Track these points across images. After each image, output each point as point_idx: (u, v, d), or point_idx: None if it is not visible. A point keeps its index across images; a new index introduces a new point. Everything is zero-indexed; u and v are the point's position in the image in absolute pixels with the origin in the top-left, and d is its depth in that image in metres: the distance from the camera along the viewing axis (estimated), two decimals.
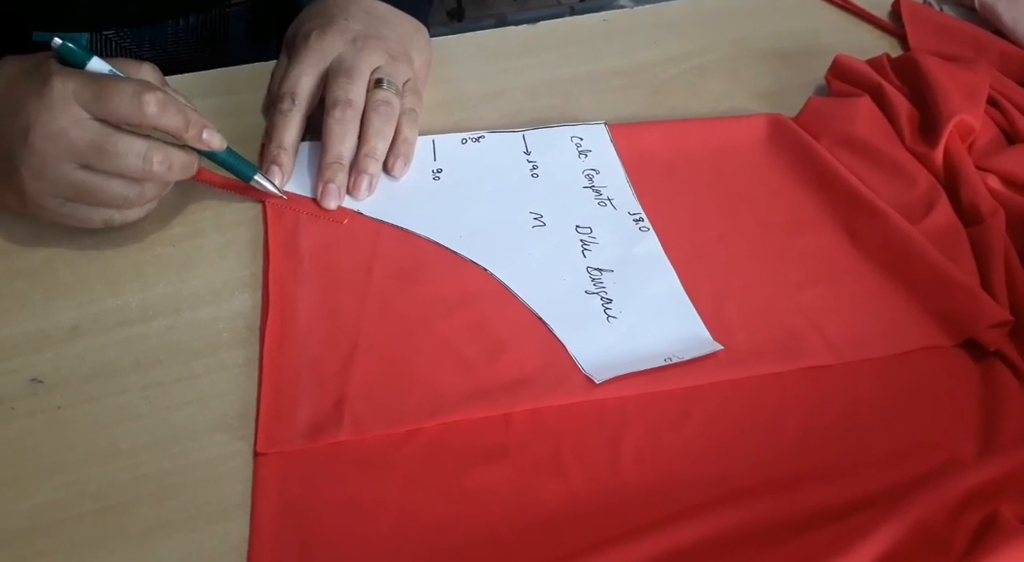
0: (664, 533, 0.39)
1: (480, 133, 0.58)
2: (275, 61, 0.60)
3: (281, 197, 0.51)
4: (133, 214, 0.48)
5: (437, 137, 0.58)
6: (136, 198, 0.46)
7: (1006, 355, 0.48)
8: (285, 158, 0.52)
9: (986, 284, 0.50)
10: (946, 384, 0.47)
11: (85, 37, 0.63)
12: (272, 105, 0.54)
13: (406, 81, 0.56)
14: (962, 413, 0.46)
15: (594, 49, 0.67)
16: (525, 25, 0.69)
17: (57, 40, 0.45)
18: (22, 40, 0.61)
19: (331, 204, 0.52)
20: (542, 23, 0.70)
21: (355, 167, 0.52)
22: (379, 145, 0.53)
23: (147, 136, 0.46)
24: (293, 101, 0.53)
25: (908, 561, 0.38)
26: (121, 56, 0.64)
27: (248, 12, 0.68)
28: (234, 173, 0.50)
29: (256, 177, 0.50)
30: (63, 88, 0.44)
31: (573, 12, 0.72)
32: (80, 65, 0.46)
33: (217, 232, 0.51)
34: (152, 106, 0.44)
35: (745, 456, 0.43)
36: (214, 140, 0.48)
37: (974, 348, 0.49)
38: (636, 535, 0.39)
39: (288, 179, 0.52)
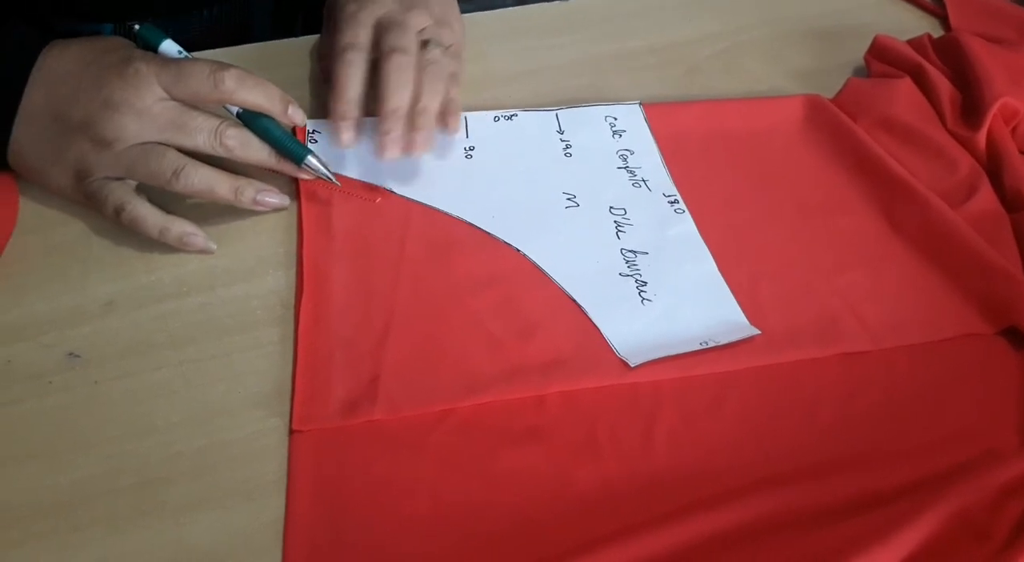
0: (698, 518, 0.39)
1: (513, 111, 0.58)
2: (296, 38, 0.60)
3: (333, 181, 0.50)
4: (151, 217, 0.47)
5: (470, 114, 0.57)
6: (187, 175, 0.46)
7: None
8: (354, 111, 0.50)
9: None
10: (986, 373, 0.47)
11: (108, 28, 0.63)
12: (334, 59, 0.51)
13: (449, 46, 0.55)
14: (1002, 402, 0.45)
15: (628, 27, 0.66)
16: (558, 1, 0.68)
17: (136, 26, 0.50)
18: (44, 29, 0.62)
19: (392, 155, 0.50)
20: (575, 0, 0.69)
21: (411, 124, 0.50)
22: (432, 103, 0.51)
23: (222, 117, 0.47)
24: (356, 50, 0.51)
25: (948, 550, 0.37)
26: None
27: (271, 2, 0.68)
28: (287, 153, 0.49)
29: (308, 158, 0.49)
30: (147, 69, 0.46)
31: None
32: (156, 46, 0.49)
33: (249, 209, 0.51)
34: (229, 81, 0.46)
35: (781, 442, 0.43)
36: (297, 115, 0.49)
37: (1015, 336, 0.48)
38: (670, 520, 0.39)
39: (350, 137, 0.50)
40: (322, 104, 0.57)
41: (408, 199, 0.52)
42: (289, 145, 0.48)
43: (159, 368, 0.44)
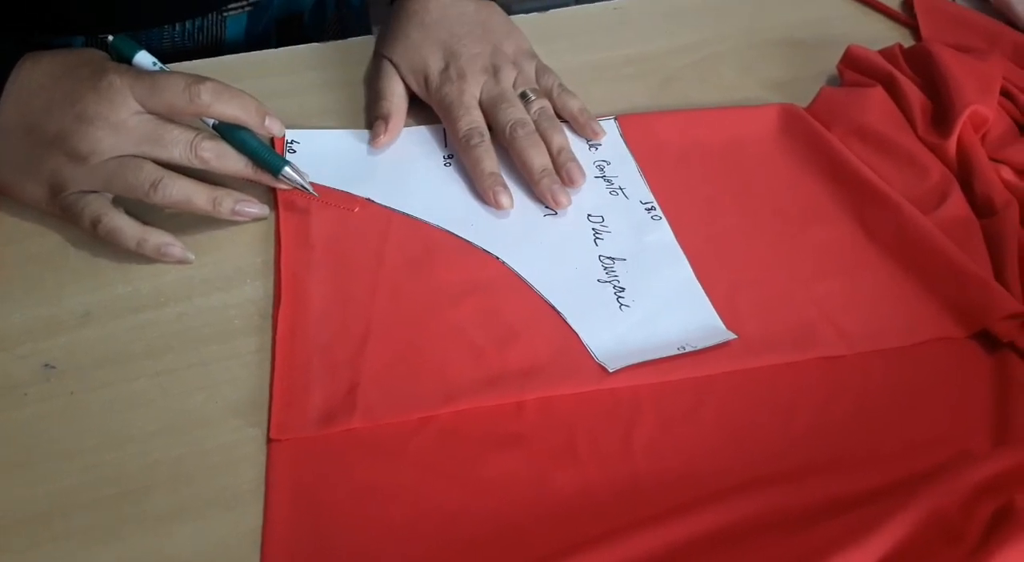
0: (677, 522, 0.39)
1: None
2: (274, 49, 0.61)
3: (310, 192, 0.50)
4: (127, 228, 0.47)
5: None
6: (164, 187, 0.46)
7: (1019, 347, 0.47)
8: (501, 179, 0.53)
9: (999, 276, 0.50)
10: (959, 375, 0.47)
11: (80, 40, 0.63)
12: (461, 147, 0.55)
13: (534, 86, 0.58)
14: (975, 405, 0.46)
15: (605, 38, 0.67)
16: (535, 13, 0.69)
17: (110, 38, 0.50)
18: (16, 41, 0.61)
19: (565, 203, 0.53)
20: (552, 11, 0.69)
21: (559, 169, 0.54)
22: (564, 144, 0.55)
23: (198, 129, 0.47)
24: (478, 134, 0.54)
25: (922, 551, 0.38)
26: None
27: (246, 17, 0.68)
28: (264, 165, 0.49)
29: (286, 170, 0.49)
30: (121, 81, 0.46)
31: (579, 1, 0.71)
32: (130, 58, 0.49)
33: (228, 219, 0.51)
34: (205, 95, 0.47)
35: (758, 446, 0.43)
36: (275, 126, 0.49)
37: (987, 340, 0.48)
38: (649, 524, 0.39)
39: (509, 199, 0.53)
40: (300, 114, 0.57)
41: (387, 208, 0.52)
42: (266, 156, 0.48)
43: (136, 378, 0.43)
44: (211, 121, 0.48)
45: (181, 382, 0.43)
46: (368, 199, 0.52)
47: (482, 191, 0.53)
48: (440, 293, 0.48)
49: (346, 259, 0.49)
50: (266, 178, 0.49)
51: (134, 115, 0.46)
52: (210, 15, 0.66)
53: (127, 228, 0.47)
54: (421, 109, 0.59)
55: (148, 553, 0.38)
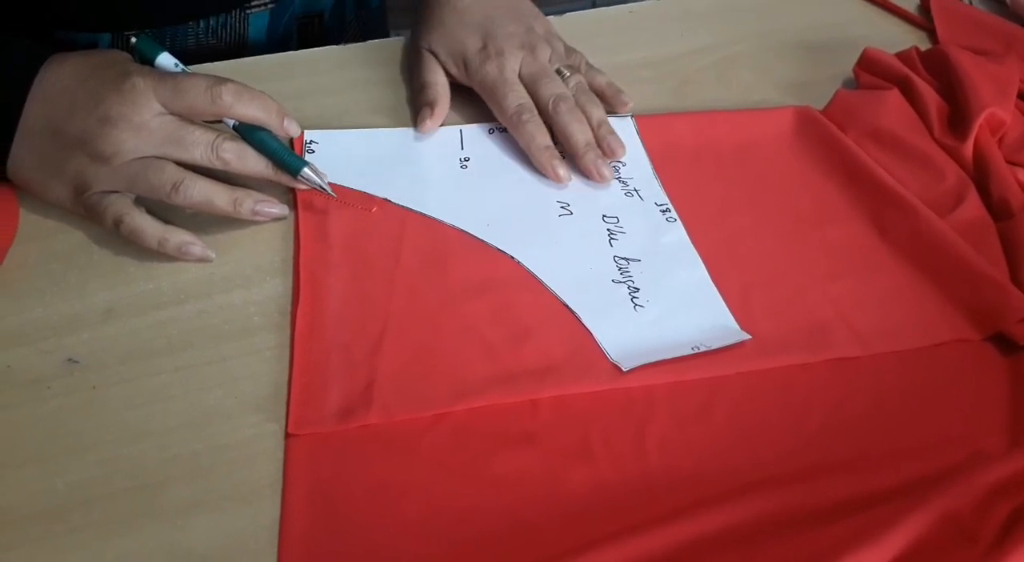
0: (689, 522, 0.39)
1: None
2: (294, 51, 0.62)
3: (329, 193, 0.50)
4: (149, 229, 0.48)
5: (464, 127, 0.58)
6: (186, 189, 0.47)
7: None
8: (556, 153, 0.55)
9: (1015, 278, 0.50)
10: (974, 378, 0.47)
11: (106, 38, 0.64)
12: (512, 123, 0.56)
13: (569, 60, 0.60)
14: (990, 407, 0.46)
15: (621, 41, 0.67)
16: (552, 16, 0.69)
17: (133, 39, 0.51)
18: (44, 40, 0.62)
19: (607, 176, 0.55)
20: (568, 14, 0.70)
21: (601, 142, 0.56)
22: (603, 118, 0.57)
23: (219, 131, 0.48)
24: (527, 110, 0.56)
25: (936, 552, 0.38)
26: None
27: (268, 15, 0.69)
28: (284, 165, 0.49)
29: (304, 170, 0.49)
30: (144, 84, 0.46)
31: (595, 5, 0.72)
32: (152, 59, 0.50)
33: (248, 220, 0.51)
34: (227, 96, 0.47)
35: (771, 446, 0.43)
36: (293, 127, 0.50)
37: (1002, 342, 0.48)
38: (662, 523, 0.39)
39: (567, 171, 0.55)
40: (319, 115, 0.58)
41: (404, 208, 0.52)
42: (286, 157, 0.49)
43: (157, 374, 0.44)
44: (231, 122, 0.49)
45: (201, 378, 0.44)
46: (385, 199, 0.53)
47: (540, 165, 0.55)
48: (456, 292, 0.48)
49: (363, 258, 0.50)
50: (285, 179, 0.49)
51: (156, 116, 0.46)
52: (234, 12, 0.67)
53: (149, 228, 0.47)
54: None
55: (166, 546, 0.38)
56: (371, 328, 0.46)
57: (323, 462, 0.41)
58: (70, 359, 0.44)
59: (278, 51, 0.65)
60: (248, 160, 0.48)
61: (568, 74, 0.58)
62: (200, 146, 0.47)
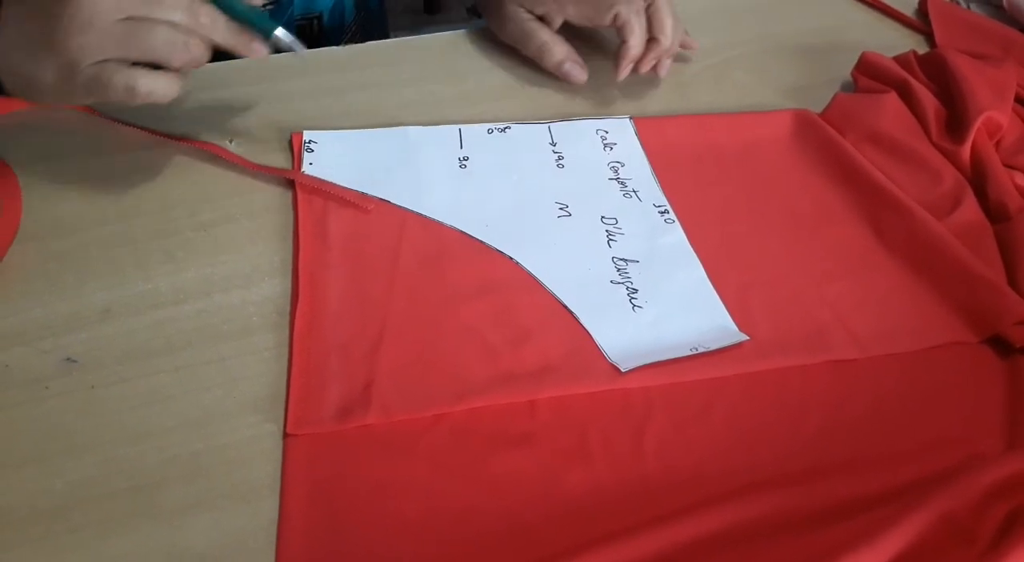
0: (687, 523, 0.39)
1: (506, 124, 0.59)
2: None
3: (302, 52, 0.49)
4: (161, 85, 0.46)
5: (464, 127, 0.58)
6: (181, 49, 0.46)
7: None
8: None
9: (1012, 281, 0.51)
10: (971, 380, 0.47)
11: None
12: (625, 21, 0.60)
13: None
14: (987, 409, 0.46)
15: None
16: None
17: None
18: None
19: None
20: None
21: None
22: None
23: None
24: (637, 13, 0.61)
25: (934, 553, 0.38)
26: None
27: (270, 15, 0.69)
28: (255, 26, 0.48)
29: (276, 32, 0.48)
30: None
31: None
32: None
33: (247, 218, 0.51)
34: None
35: (769, 448, 0.43)
36: None
37: (999, 345, 0.49)
38: (659, 524, 0.39)
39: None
40: (320, 116, 0.58)
41: (403, 208, 0.53)
42: (256, 19, 0.48)
43: (155, 373, 0.44)
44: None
45: (199, 378, 0.44)
46: (384, 199, 0.53)
47: (623, 57, 0.61)
48: (454, 293, 0.48)
49: (362, 259, 0.50)
50: (257, 47, 0.48)
51: None
52: None
53: (163, 83, 0.46)
54: (435, 110, 0.59)
55: (164, 546, 0.38)
56: (370, 328, 0.46)
57: (321, 462, 0.41)
58: (68, 359, 0.44)
59: (277, 52, 0.65)
60: (219, 25, 0.47)
61: None
62: (180, 8, 0.45)
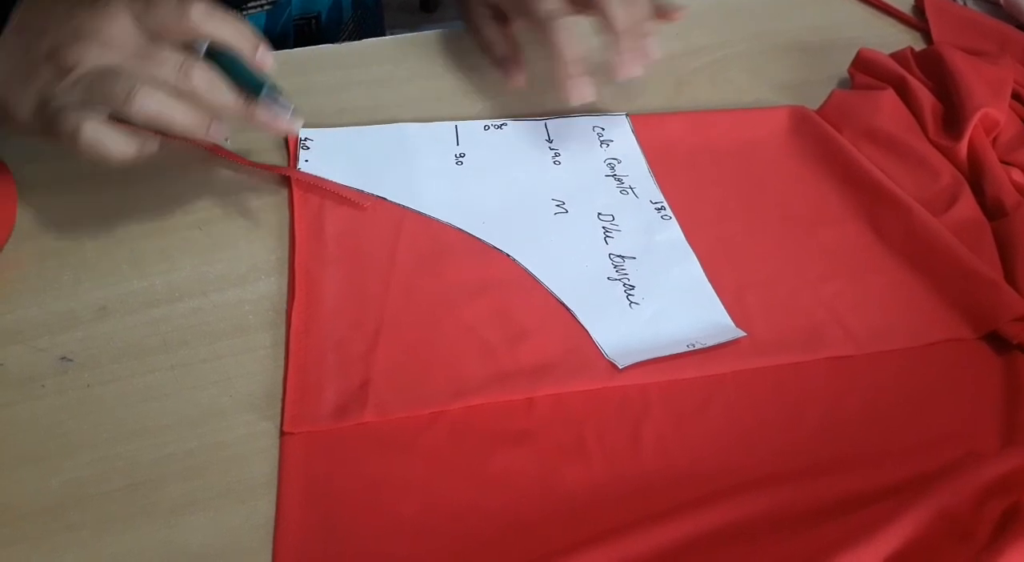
0: (685, 520, 0.39)
1: (503, 121, 0.59)
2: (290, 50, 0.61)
3: (293, 115, 0.46)
4: (111, 139, 0.44)
5: (460, 123, 0.58)
6: (150, 103, 0.43)
7: None
8: (584, 68, 0.52)
9: (1010, 277, 0.50)
10: (968, 377, 0.47)
11: None
12: (545, 28, 0.53)
13: None
14: (984, 406, 0.46)
15: None
16: None
17: None
18: None
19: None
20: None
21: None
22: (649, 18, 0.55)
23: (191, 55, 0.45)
24: (560, 13, 0.53)
25: (931, 550, 0.38)
26: None
27: (264, 16, 0.68)
28: (245, 83, 0.45)
29: (264, 93, 0.45)
30: (118, 2, 0.44)
31: None
32: None
33: (243, 217, 0.51)
34: (195, 11, 0.44)
35: (766, 445, 0.43)
36: (268, 58, 0.47)
37: (997, 341, 0.48)
38: (657, 521, 0.39)
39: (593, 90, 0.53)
40: (315, 114, 0.58)
41: (399, 205, 0.52)
42: (248, 78, 0.45)
43: (151, 372, 0.44)
44: (203, 51, 0.46)
45: (195, 376, 0.44)
46: (381, 197, 0.53)
47: (561, 76, 0.53)
48: (451, 290, 0.48)
49: (359, 256, 0.49)
50: (254, 113, 0.46)
51: (126, 33, 0.44)
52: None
53: (110, 136, 0.44)
54: (431, 107, 0.59)
55: (161, 544, 0.38)
56: (366, 326, 0.46)
57: (318, 460, 0.41)
58: (64, 357, 0.44)
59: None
60: (216, 89, 0.44)
61: None
62: (169, 63, 0.44)
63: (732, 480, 0.41)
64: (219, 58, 0.45)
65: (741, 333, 0.47)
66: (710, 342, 0.46)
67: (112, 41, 0.44)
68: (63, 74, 0.44)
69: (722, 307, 0.49)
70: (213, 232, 0.50)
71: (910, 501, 0.39)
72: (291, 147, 0.55)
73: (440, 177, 0.55)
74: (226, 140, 0.46)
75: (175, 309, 0.47)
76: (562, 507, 0.40)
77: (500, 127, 0.58)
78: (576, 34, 0.53)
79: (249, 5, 0.67)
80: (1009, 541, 0.37)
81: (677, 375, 0.45)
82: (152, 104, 0.43)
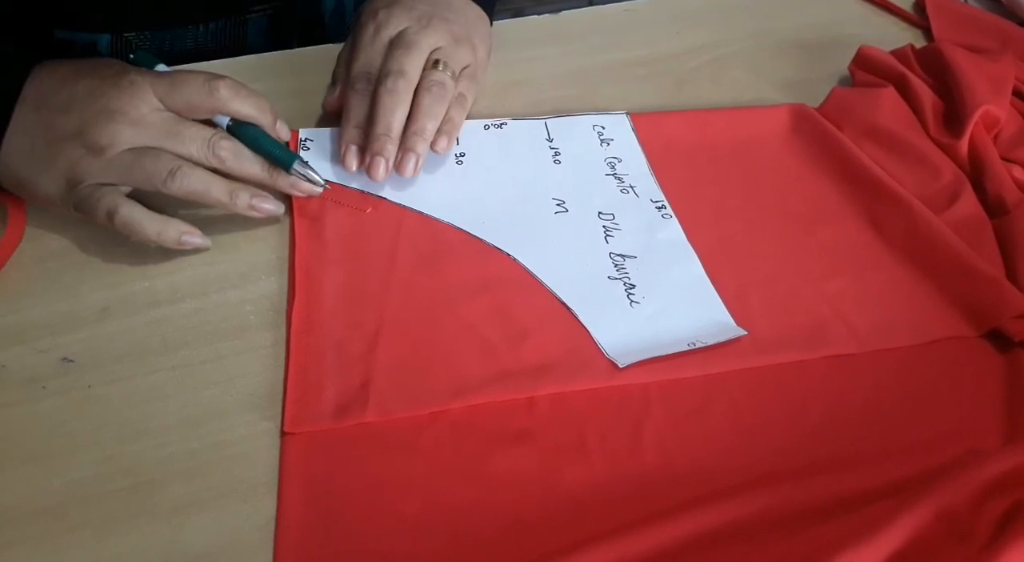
0: (686, 518, 0.39)
1: (503, 120, 0.59)
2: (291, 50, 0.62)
3: (321, 185, 0.50)
4: (145, 219, 0.46)
5: None
6: (185, 181, 0.46)
7: None
8: (359, 137, 0.52)
9: (1011, 275, 0.50)
10: (970, 374, 0.47)
11: (106, 38, 0.64)
12: (348, 85, 0.54)
13: (464, 67, 0.56)
14: (986, 403, 0.46)
15: (617, 39, 0.67)
16: (548, 15, 0.69)
17: (131, 55, 0.52)
18: (44, 39, 0.62)
19: (379, 176, 0.51)
20: (565, 12, 0.70)
21: (403, 145, 0.51)
22: (428, 125, 0.52)
23: (216, 129, 0.48)
24: (366, 80, 0.53)
25: (931, 548, 0.38)
26: None
27: (267, 19, 0.69)
28: (276, 159, 0.49)
29: (296, 164, 0.49)
30: (142, 80, 0.47)
31: (591, 3, 0.72)
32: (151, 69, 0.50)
33: (243, 217, 0.51)
34: (223, 90, 0.47)
35: (767, 443, 0.43)
36: (284, 130, 0.50)
37: (998, 339, 0.48)
38: (658, 520, 0.39)
39: (357, 162, 0.52)
40: (315, 114, 0.58)
41: (400, 205, 0.52)
42: (278, 152, 0.49)
43: (153, 372, 0.44)
44: (225, 124, 0.49)
45: (197, 376, 0.44)
46: (381, 197, 0.53)
47: (340, 137, 0.53)
48: (452, 290, 0.48)
49: (359, 256, 0.50)
50: (280, 181, 0.49)
51: (154, 111, 0.46)
52: (233, 17, 0.67)
53: (144, 219, 0.46)
54: None
55: (162, 544, 0.38)
56: (367, 326, 0.46)
57: (319, 460, 0.41)
58: (65, 358, 0.44)
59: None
60: (244, 160, 0.48)
61: (441, 69, 0.53)
62: (197, 141, 0.47)
63: (732, 479, 0.41)
64: (240, 131, 0.49)
65: (742, 332, 0.47)
66: (711, 341, 0.46)
67: (142, 120, 0.46)
68: (96, 154, 0.46)
69: (723, 306, 0.49)
70: (215, 232, 0.50)
71: (911, 500, 0.39)
72: (291, 147, 0.55)
73: (440, 177, 0.55)
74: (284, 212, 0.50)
75: (176, 309, 0.47)
76: (563, 506, 0.40)
77: (500, 126, 0.58)
78: (390, 105, 0.51)
79: (253, 9, 0.67)
80: (1009, 540, 0.37)
81: (678, 374, 0.45)
82: (192, 180, 0.46)
